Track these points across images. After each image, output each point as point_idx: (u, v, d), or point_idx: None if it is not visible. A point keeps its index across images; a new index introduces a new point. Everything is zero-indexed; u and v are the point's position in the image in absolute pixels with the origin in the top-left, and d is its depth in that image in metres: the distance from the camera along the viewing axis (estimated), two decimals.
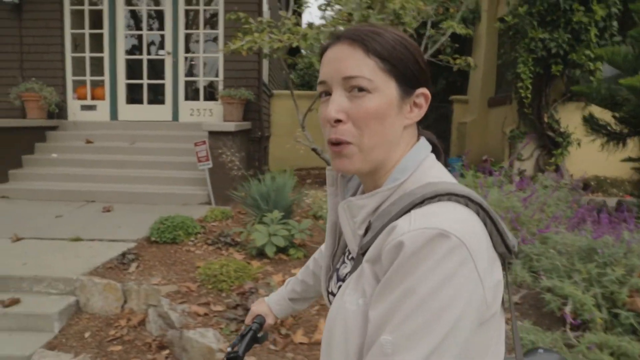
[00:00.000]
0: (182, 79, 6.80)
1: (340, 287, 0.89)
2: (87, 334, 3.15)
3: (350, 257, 0.91)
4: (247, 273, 3.45)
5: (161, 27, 6.91)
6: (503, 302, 0.79)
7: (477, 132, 8.77)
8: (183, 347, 2.88)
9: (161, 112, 6.88)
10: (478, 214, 0.75)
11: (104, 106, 6.91)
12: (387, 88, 0.78)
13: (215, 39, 6.90)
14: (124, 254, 3.75)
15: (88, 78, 6.91)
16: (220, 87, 6.75)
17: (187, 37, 6.82)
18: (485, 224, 0.75)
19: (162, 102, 6.90)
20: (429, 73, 0.83)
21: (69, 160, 6.11)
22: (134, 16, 7.06)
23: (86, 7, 6.79)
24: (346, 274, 0.89)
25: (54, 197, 5.61)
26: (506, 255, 0.79)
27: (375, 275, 0.74)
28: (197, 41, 6.88)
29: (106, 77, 6.87)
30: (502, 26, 6.63)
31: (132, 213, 5.14)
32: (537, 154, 7.15)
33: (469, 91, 9.39)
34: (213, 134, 5.39)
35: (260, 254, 3.85)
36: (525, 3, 6.27)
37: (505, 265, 0.80)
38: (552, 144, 6.78)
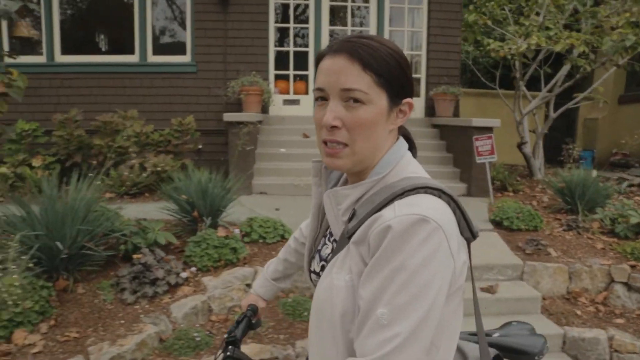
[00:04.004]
0: None
1: (322, 266, 1.01)
2: (578, 311, 3.34)
3: (332, 239, 1.01)
4: None
5: (365, 23, 6.96)
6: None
7: (606, 128, 9.36)
8: None
9: None
10: (449, 204, 0.88)
11: (307, 100, 6.89)
12: (379, 100, 0.88)
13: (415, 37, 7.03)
14: (535, 242, 3.91)
15: (291, 72, 6.87)
16: (422, 83, 6.90)
17: (391, 34, 6.90)
18: (454, 213, 0.88)
19: None
20: (413, 83, 0.95)
21: (298, 155, 6.07)
22: (337, 11, 7.05)
23: (292, 2, 6.73)
24: (328, 254, 1.00)
25: (309, 192, 5.56)
26: (470, 239, 0.93)
27: (360, 255, 0.85)
28: (401, 37, 6.98)
29: (310, 72, 6.84)
30: None
31: None
32: None
33: (594, 89, 9.95)
34: (478, 129, 5.54)
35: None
36: None
37: (469, 248, 0.95)
38: None
